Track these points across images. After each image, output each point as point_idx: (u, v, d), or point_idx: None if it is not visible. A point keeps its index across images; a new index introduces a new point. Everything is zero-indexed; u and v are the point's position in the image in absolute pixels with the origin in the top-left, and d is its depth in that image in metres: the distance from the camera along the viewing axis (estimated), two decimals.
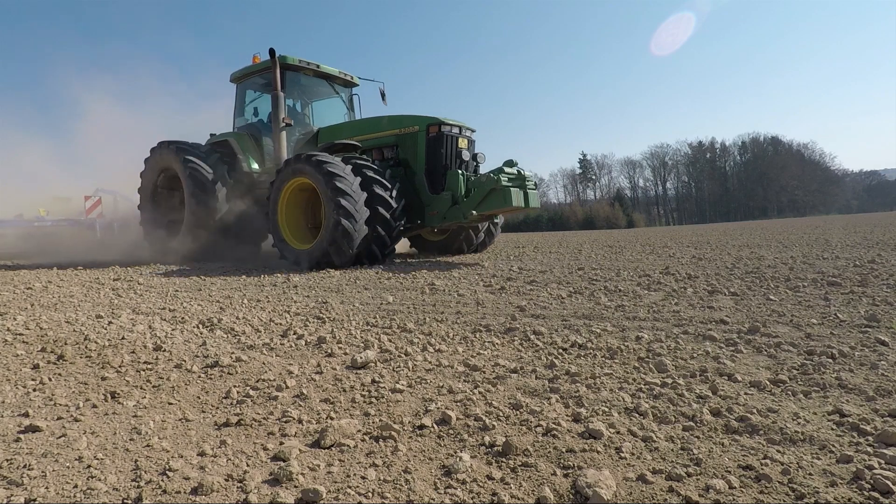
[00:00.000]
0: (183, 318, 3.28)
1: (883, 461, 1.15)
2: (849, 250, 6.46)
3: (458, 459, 1.23)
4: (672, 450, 1.26)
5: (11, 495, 1.12)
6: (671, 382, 1.73)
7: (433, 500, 1.08)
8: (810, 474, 1.12)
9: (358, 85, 9.14)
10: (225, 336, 2.73)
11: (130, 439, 1.43)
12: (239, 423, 1.53)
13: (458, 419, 1.49)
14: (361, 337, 2.59)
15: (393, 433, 1.40)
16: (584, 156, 78.70)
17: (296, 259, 6.27)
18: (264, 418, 1.56)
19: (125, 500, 1.11)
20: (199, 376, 2.02)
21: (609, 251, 8.52)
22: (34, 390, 1.89)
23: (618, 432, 1.37)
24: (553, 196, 78.67)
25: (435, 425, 1.47)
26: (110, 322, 3.16)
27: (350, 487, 1.13)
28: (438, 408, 1.58)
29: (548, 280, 4.52)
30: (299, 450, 1.32)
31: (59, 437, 1.45)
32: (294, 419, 1.54)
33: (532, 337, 2.45)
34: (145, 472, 1.22)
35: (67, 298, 4.32)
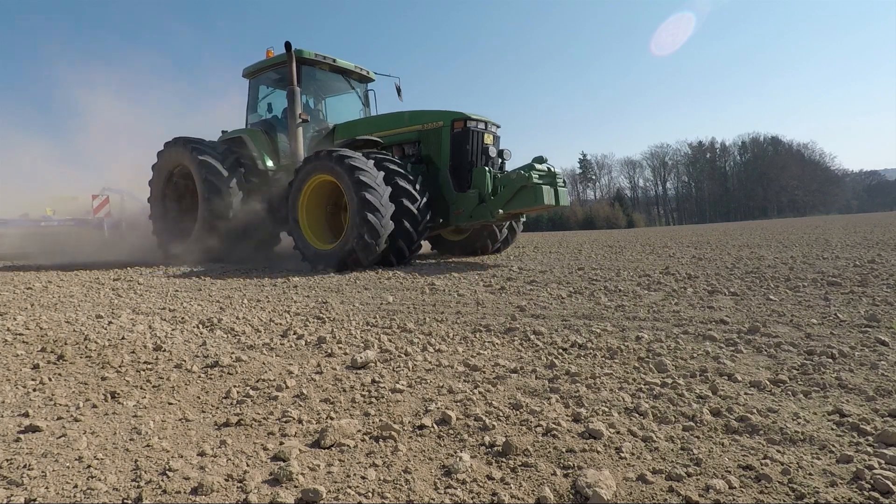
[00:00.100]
0: (183, 318, 3.28)
1: (883, 461, 1.15)
2: (849, 250, 6.46)
3: (458, 459, 1.23)
4: (672, 450, 1.26)
5: (11, 495, 1.12)
6: (671, 382, 1.73)
7: (433, 500, 1.08)
8: (810, 474, 1.12)
9: (374, 80, 8.89)
10: (225, 336, 2.73)
11: (130, 439, 1.43)
12: (239, 423, 1.53)
13: (458, 419, 1.49)
14: (361, 337, 2.59)
15: (393, 433, 1.40)
16: (584, 156, 78.77)
17: (318, 260, 6.03)
18: (264, 418, 1.56)
19: (125, 500, 1.11)
20: (199, 376, 2.02)
21: (609, 251, 8.52)
22: (34, 390, 1.89)
23: (618, 432, 1.37)
24: None
25: (435, 425, 1.47)
26: (110, 322, 3.16)
27: (350, 487, 1.13)
28: (438, 408, 1.58)
29: (548, 280, 4.52)
30: (299, 450, 1.32)
31: (59, 437, 1.45)
32: (294, 419, 1.54)
33: (532, 337, 2.45)
34: (145, 472, 1.22)
35: (67, 298, 4.32)
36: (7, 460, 1.30)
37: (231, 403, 1.71)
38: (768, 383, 1.69)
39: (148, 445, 1.38)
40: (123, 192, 13.04)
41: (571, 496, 1.08)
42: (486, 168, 6.25)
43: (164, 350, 2.44)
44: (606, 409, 1.53)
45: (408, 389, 1.78)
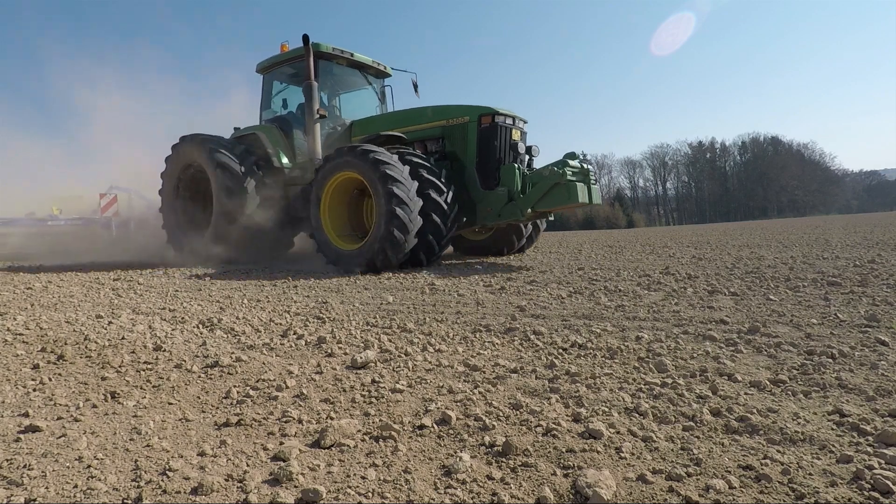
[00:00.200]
0: (183, 318, 3.28)
1: (883, 461, 1.15)
2: (849, 250, 6.46)
3: (458, 459, 1.23)
4: (672, 450, 1.26)
5: (11, 495, 1.12)
6: (671, 382, 1.73)
7: (433, 500, 1.08)
8: (810, 474, 1.12)
9: (391, 75, 8.62)
10: (225, 336, 2.73)
11: (130, 439, 1.43)
12: (239, 423, 1.53)
13: (458, 419, 1.49)
14: (361, 337, 2.59)
15: (393, 433, 1.40)
16: (584, 155, 78.65)
17: (343, 261, 5.77)
18: (264, 418, 1.56)
19: (125, 500, 1.11)
20: (199, 376, 2.02)
21: (609, 251, 8.52)
22: (34, 390, 1.89)
23: (618, 432, 1.37)
24: None
25: (435, 425, 1.47)
26: (110, 322, 3.16)
27: (350, 487, 1.13)
28: (438, 408, 1.58)
29: (548, 280, 4.52)
30: (299, 450, 1.32)
31: (59, 437, 1.45)
32: (294, 419, 1.54)
33: (532, 337, 2.45)
34: (145, 472, 1.22)
35: (67, 298, 4.32)
36: (7, 460, 1.30)
37: (231, 403, 1.71)
38: (768, 383, 1.69)
39: (148, 445, 1.38)
40: (131, 190, 12.78)
41: (571, 496, 1.08)
42: (516, 165, 6.02)
43: (164, 350, 2.44)
44: (606, 409, 1.53)
45: (408, 389, 1.78)
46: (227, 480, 1.18)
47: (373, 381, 1.88)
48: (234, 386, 1.87)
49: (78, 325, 3.08)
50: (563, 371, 1.91)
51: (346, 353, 2.30)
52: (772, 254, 6.49)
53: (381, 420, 1.51)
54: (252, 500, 1.08)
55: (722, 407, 1.50)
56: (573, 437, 1.36)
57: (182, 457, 1.30)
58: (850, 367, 1.83)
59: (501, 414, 1.53)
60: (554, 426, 1.40)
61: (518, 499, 1.08)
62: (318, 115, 6.86)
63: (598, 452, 1.26)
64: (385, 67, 8.37)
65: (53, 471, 1.24)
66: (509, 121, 6.47)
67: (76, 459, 1.30)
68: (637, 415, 1.49)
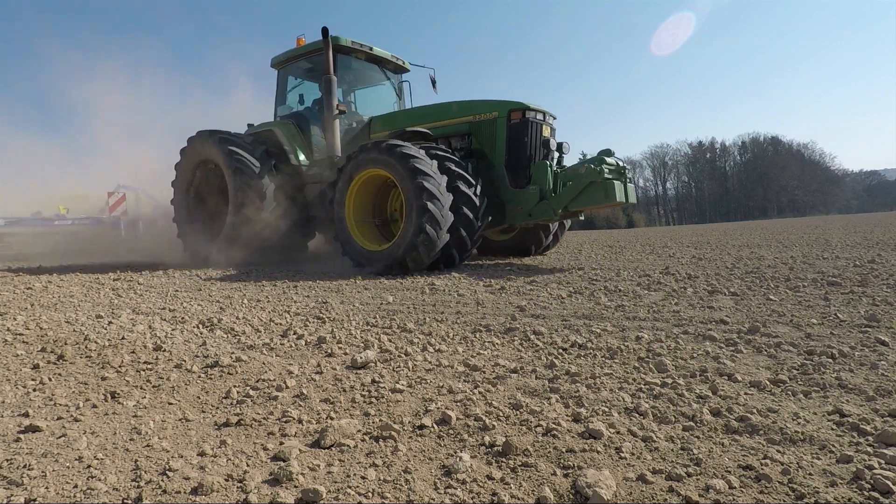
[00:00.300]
0: (183, 318, 3.28)
1: (883, 461, 1.15)
2: (849, 250, 6.46)
3: (458, 459, 1.23)
4: (672, 450, 1.26)
5: (11, 495, 1.12)
6: (671, 382, 1.73)
7: (433, 500, 1.08)
8: (810, 474, 1.12)
9: (409, 70, 8.35)
10: (225, 336, 2.73)
11: (130, 439, 1.43)
12: (239, 423, 1.53)
13: (458, 419, 1.49)
14: (361, 337, 2.59)
15: (393, 433, 1.40)
16: (584, 155, 78.62)
17: (371, 262, 5.51)
18: (264, 418, 1.56)
19: (125, 500, 1.11)
20: (199, 376, 2.02)
21: (609, 251, 8.52)
22: (34, 390, 1.89)
23: (618, 432, 1.37)
24: None
25: (435, 425, 1.47)
26: (110, 322, 3.16)
27: (350, 487, 1.13)
28: (438, 408, 1.58)
29: (548, 280, 4.52)
30: (299, 450, 1.32)
31: (59, 437, 1.45)
32: (294, 419, 1.54)
33: (532, 337, 2.45)
34: (145, 472, 1.22)
35: (67, 298, 4.32)
36: (7, 460, 1.30)
37: (231, 403, 1.71)
38: (768, 383, 1.69)
39: (148, 445, 1.38)
40: (138, 189, 12.55)
41: (571, 496, 1.08)
42: (548, 162, 5.81)
43: (164, 350, 2.44)
44: (606, 409, 1.53)
45: (408, 389, 1.78)
46: (227, 480, 1.18)
47: (373, 381, 1.88)
48: (234, 386, 1.87)
49: (78, 325, 3.08)
50: (563, 371, 1.91)
51: (346, 353, 2.30)
52: (772, 254, 6.49)
53: (381, 420, 1.51)
54: (252, 500, 1.08)
55: (722, 407, 1.50)
56: (573, 437, 1.36)
57: (182, 457, 1.30)
58: (850, 367, 1.83)
59: (501, 414, 1.53)
60: (554, 426, 1.40)
61: (518, 499, 1.08)
62: (337, 111, 6.64)
63: (598, 452, 1.26)
64: (403, 62, 8.15)
65: (53, 471, 1.24)
66: (540, 116, 6.25)
67: (76, 459, 1.30)
68: (637, 415, 1.49)
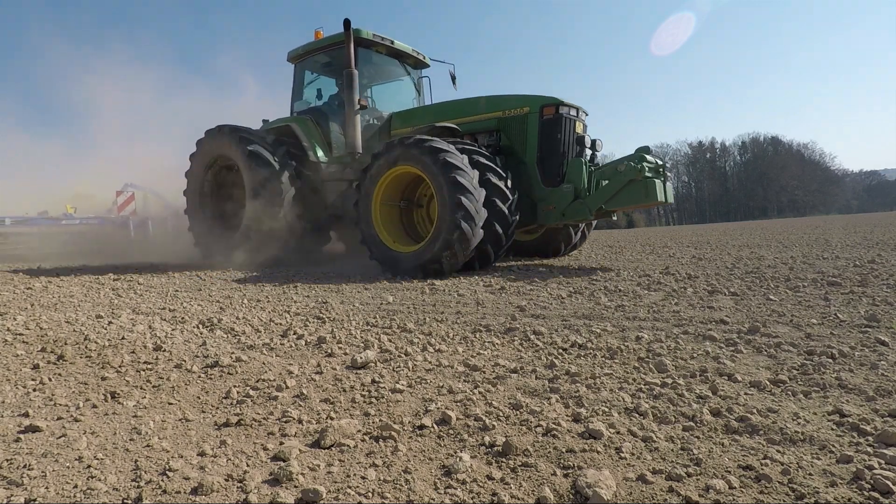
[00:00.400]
0: (183, 318, 3.28)
1: (883, 461, 1.15)
2: (849, 250, 6.46)
3: (458, 459, 1.23)
4: (672, 450, 1.26)
5: (11, 495, 1.12)
6: (671, 382, 1.73)
7: (433, 500, 1.08)
8: (810, 474, 1.12)
9: (429, 66, 8.07)
10: (225, 336, 2.73)
11: (130, 439, 1.43)
12: (239, 423, 1.53)
13: (458, 419, 1.49)
14: (361, 337, 2.59)
15: (393, 433, 1.40)
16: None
17: (400, 263, 5.23)
18: (264, 418, 1.56)
19: (125, 500, 1.11)
20: (199, 376, 2.02)
21: (609, 251, 8.52)
22: (34, 390, 1.89)
23: (618, 432, 1.37)
24: None
25: (435, 425, 1.47)
26: (110, 322, 3.16)
27: (350, 487, 1.13)
28: (438, 408, 1.58)
29: (548, 280, 4.52)
30: (299, 450, 1.32)
31: (59, 437, 1.45)
32: (294, 419, 1.54)
33: (532, 337, 2.45)
34: (145, 472, 1.22)
35: (67, 298, 4.32)
36: (7, 460, 1.30)
37: (231, 403, 1.71)
38: (768, 383, 1.69)
39: (148, 445, 1.38)
40: (146, 188, 12.33)
41: (571, 496, 1.08)
42: (583, 160, 5.61)
43: (164, 350, 2.44)
44: (606, 409, 1.53)
45: (408, 389, 1.78)
46: (227, 480, 1.18)
47: (373, 381, 1.88)
48: (234, 386, 1.87)
49: (78, 325, 3.08)
50: (563, 371, 1.91)
51: (346, 353, 2.30)
52: (772, 254, 6.49)
53: (381, 420, 1.51)
54: (252, 500, 1.08)
55: (722, 407, 1.50)
56: (573, 437, 1.36)
57: (182, 457, 1.30)
58: (850, 367, 1.83)
59: (501, 414, 1.53)
60: (554, 426, 1.40)
61: (518, 499, 1.08)
62: (359, 106, 6.40)
63: (598, 452, 1.26)
64: (424, 57, 7.89)
65: (53, 471, 1.24)
66: (573, 112, 5.99)
67: (76, 459, 1.30)
68: (637, 415, 1.49)
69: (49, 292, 4.76)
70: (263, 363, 2.17)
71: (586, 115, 6.33)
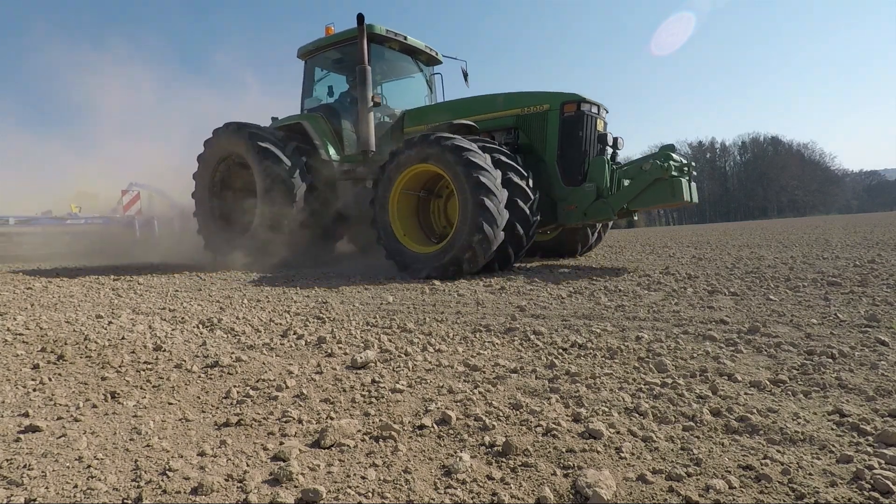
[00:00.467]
0: (183, 318, 3.28)
1: (883, 461, 1.15)
2: (849, 250, 6.46)
3: (458, 459, 1.23)
4: (672, 450, 1.26)
5: (11, 495, 1.12)
6: (671, 382, 1.73)
7: (433, 500, 1.08)
8: (810, 474, 1.12)
9: (441, 62, 7.88)
10: (225, 336, 2.73)
11: (130, 439, 1.43)
12: (239, 423, 1.53)
13: (458, 419, 1.49)
14: (361, 337, 2.59)
15: (393, 433, 1.40)
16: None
17: (419, 264, 5.08)
18: (264, 418, 1.56)
19: (125, 500, 1.11)
20: (199, 376, 2.02)
21: (609, 251, 8.52)
22: (34, 390, 1.89)
23: (618, 432, 1.37)
24: None
25: (435, 425, 1.47)
26: (110, 322, 3.16)
27: (350, 487, 1.13)
28: (438, 408, 1.58)
29: (548, 280, 4.52)
30: (299, 450, 1.32)
31: (59, 437, 1.45)
32: (294, 419, 1.54)
33: (532, 337, 2.45)
34: (145, 472, 1.22)
35: (67, 298, 4.32)
36: (7, 460, 1.30)
37: (231, 403, 1.71)
38: (768, 383, 1.69)
39: (148, 445, 1.38)
40: (151, 187, 12.16)
41: (571, 496, 1.08)
42: (606, 158, 5.50)
43: (164, 350, 2.44)
44: (606, 409, 1.53)
45: (408, 389, 1.78)
46: (227, 480, 1.18)
47: (373, 381, 1.88)
48: (234, 386, 1.87)
49: (78, 325, 3.08)
50: (563, 371, 1.91)
51: (346, 353, 2.30)
52: (772, 254, 6.49)
53: (381, 420, 1.51)
54: (252, 500, 1.08)
55: (722, 407, 1.50)
56: (573, 437, 1.36)
57: (182, 457, 1.30)
58: (850, 367, 1.83)
59: (501, 414, 1.53)
60: (554, 426, 1.40)
61: (518, 499, 1.08)
62: (372, 103, 6.25)
63: (598, 452, 1.26)
64: (437, 53, 7.73)
65: (53, 471, 1.24)
66: (594, 109, 5.82)
67: (76, 459, 1.30)
68: (637, 415, 1.49)
69: (49, 292, 4.76)
70: (263, 363, 2.17)
71: (607, 112, 6.17)
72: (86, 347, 2.52)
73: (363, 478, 1.18)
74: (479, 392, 1.72)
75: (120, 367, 2.18)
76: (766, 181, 73.76)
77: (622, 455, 1.24)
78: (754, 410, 1.46)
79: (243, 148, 6.74)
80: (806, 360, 1.93)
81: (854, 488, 1.06)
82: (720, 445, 1.28)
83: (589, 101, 5.73)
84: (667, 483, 1.11)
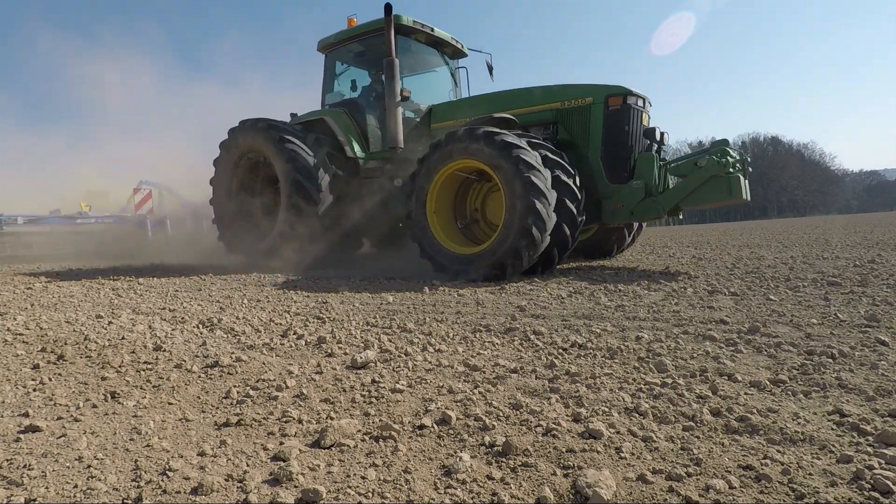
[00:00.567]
0: (183, 318, 3.28)
1: (883, 461, 1.15)
2: (849, 250, 6.46)
3: (458, 459, 1.23)
4: (672, 450, 1.26)
5: (11, 495, 1.12)
6: (671, 382, 1.73)
7: (433, 500, 1.08)
8: (810, 474, 1.12)
9: (467, 55, 7.55)
10: (225, 336, 2.73)
11: (130, 439, 1.43)
12: (239, 423, 1.53)
13: (458, 419, 1.49)
14: (361, 337, 2.59)
15: (393, 433, 1.40)
16: None
17: (460, 266, 4.79)
18: (264, 418, 1.56)
19: (125, 500, 1.11)
20: (199, 376, 2.02)
21: None
22: (34, 390, 1.89)
23: (618, 432, 1.37)
24: None
25: (435, 425, 1.47)
26: (110, 322, 3.16)
27: (350, 487, 1.13)
28: (438, 408, 1.58)
29: (548, 280, 4.52)
30: (299, 450, 1.32)
31: (59, 437, 1.45)
32: (294, 419, 1.54)
33: (532, 337, 2.45)
34: (145, 472, 1.22)
35: (67, 298, 4.32)
36: (7, 460, 1.30)
37: (231, 403, 1.71)
38: (768, 383, 1.69)
39: (148, 445, 1.38)
40: (162, 185, 11.85)
41: (571, 496, 1.08)
42: (655, 154, 5.21)
43: (164, 350, 2.44)
44: (606, 409, 1.53)
45: (408, 389, 1.78)
46: (227, 480, 1.18)
47: (373, 381, 1.88)
48: (234, 386, 1.87)
49: (78, 325, 3.08)
50: (563, 371, 1.91)
51: (346, 353, 2.30)
52: (772, 254, 6.49)
53: (381, 420, 1.51)
54: (252, 500, 1.08)
55: (722, 407, 1.50)
56: (573, 437, 1.36)
57: (182, 457, 1.30)
58: (850, 367, 1.83)
59: (501, 414, 1.53)
60: (554, 426, 1.40)
61: (518, 499, 1.08)
62: (400, 97, 5.95)
63: (598, 452, 1.26)
64: (462, 46, 7.39)
65: (53, 471, 1.24)
66: (640, 102, 5.51)
67: (76, 459, 1.30)
68: (637, 415, 1.49)
69: (49, 292, 4.76)
70: (263, 363, 2.17)
71: (650, 105, 5.85)
72: (86, 347, 2.52)
73: (363, 478, 1.18)
74: (479, 392, 1.72)
75: (120, 367, 2.18)
76: (765, 181, 73.72)
77: (622, 455, 1.24)
78: (754, 410, 1.46)
79: (265, 145, 6.46)
80: (806, 360, 1.93)
81: (854, 488, 1.06)
82: (720, 445, 1.28)
83: (635, 93, 5.43)
84: (667, 483, 1.11)
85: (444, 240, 5.04)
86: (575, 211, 4.78)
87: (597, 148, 5.39)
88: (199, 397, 1.79)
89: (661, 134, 5.69)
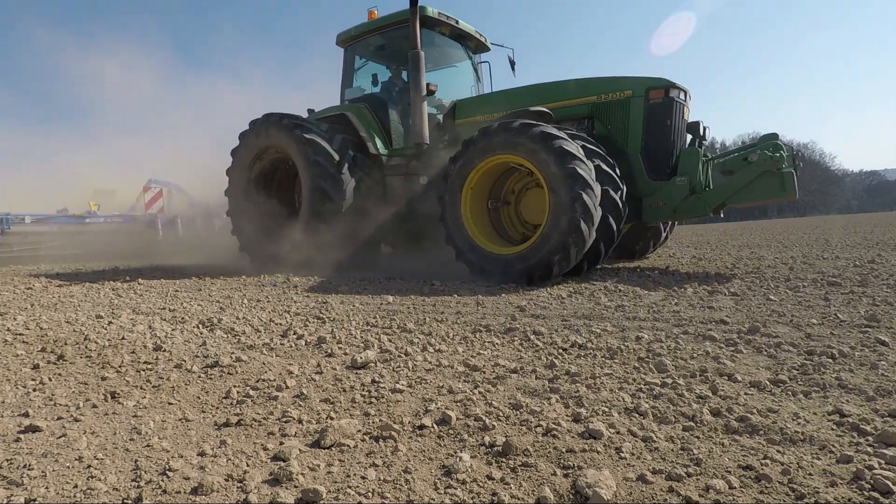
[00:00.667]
0: (183, 318, 3.28)
1: (883, 461, 1.15)
2: (849, 250, 6.46)
3: (458, 459, 1.23)
4: (672, 450, 1.26)
5: (11, 495, 1.12)
6: (671, 382, 1.73)
7: (433, 500, 1.08)
8: (810, 474, 1.12)
9: (489, 49, 7.34)
10: (225, 336, 2.73)
11: (130, 439, 1.43)
12: (239, 423, 1.53)
13: (458, 419, 1.49)
14: (361, 337, 2.59)
15: (393, 433, 1.40)
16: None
17: (498, 267, 4.49)
18: (264, 418, 1.56)
19: (125, 500, 1.11)
20: (199, 376, 2.02)
21: None
22: (34, 390, 1.89)
23: (618, 432, 1.37)
24: None
25: (435, 425, 1.47)
26: (110, 322, 3.16)
27: (350, 487, 1.13)
28: (438, 408, 1.58)
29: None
30: (299, 450, 1.32)
31: (59, 437, 1.45)
32: (294, 419, 1.54)
33: (532, 337, 2.45)
34: (145, 472, 1.22)
35: (67, 298, 4.32)
36: (7, 460, 1.30)
37: (231, 403, 1.71)
38: (768, 383, 1.69)
39: (148, 445, 1.38)
40: (171, 184, 11.62)
41: (571, 496, 1.08)
42: (699, 149, 4.98)
43: (164, 350, 2.44)
44: (606, 409, 1.53)
45: (408, 389, 1.78)
46: (227, 480, 1.18)
47: (373, 381, 1.88)
48: (234, 386, 1.87)
49: (78, 325, 3.08)
50: (563, 371, 1.91)
51: (346, 353, 2.30)
52: (772, 254, 6.49)
53: (381, 420, 1.51)
54: (252, 500, 1.08)
55: (722, 407, 1.50)
56: (573, 437, 1.36)
57: (182, 457, 1.30)
58: (850, 367, 1.83)
59: (501, 414, 1.53)
60: (554, 426, 1.40)
61: (518, 499, 1.08)
62: (426, 92, 5.69)
63: (598, 452, 1.26)
64: (485, 40, 7.18)
65: (53, 471, 1.24)
66: (682, 95, 5.20)
67: (76, 459, 1.30)
68: (637, 415, 1.49)
69: (49, 292, 4.76)
70: (263, 363, 2.17)
71: (691, 99, 5.53)
72: (86, 347, 2.52)
73: (363, 478, 1.18)
74: (479, 392, 1.72)
75: (120, 367, 2.18)
76: None
77: (622, 455, 1.24)
78: (754, 410, 1.46)
79: (285, 140, 6.14)
80: (806, 360, 1.93)
81: (854, 488, 1.06)
82: (720, 445, 1.28)
83: (678, 86, 5.15)
84: (667, 483, 1.11)
85: (482, 241, 4.75)
86: (619, 201, 4.52)
87: (637, 143, 5.12)
88: (199, 397, 1.79)
89: (704, 129, 5.47)
